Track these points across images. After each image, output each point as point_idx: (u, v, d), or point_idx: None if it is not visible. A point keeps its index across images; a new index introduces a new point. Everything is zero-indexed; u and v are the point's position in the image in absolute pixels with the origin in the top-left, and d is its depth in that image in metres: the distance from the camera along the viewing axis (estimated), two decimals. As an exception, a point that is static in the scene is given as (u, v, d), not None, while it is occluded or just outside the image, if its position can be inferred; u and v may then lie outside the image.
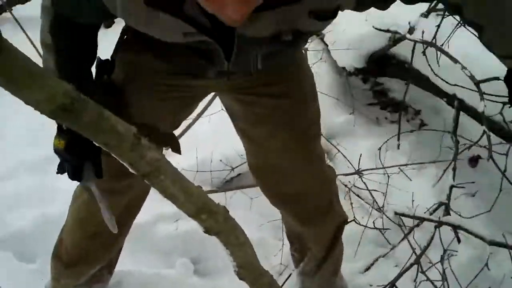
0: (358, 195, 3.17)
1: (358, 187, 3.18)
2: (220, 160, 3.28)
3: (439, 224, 2.40)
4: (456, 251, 2.56)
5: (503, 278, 2.50)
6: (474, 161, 3.24)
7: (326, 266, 2.36)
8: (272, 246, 2.95)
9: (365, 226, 2.86)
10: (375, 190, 3.12)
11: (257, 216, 3.13)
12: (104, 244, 2.12)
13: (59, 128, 1.61)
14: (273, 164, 2.02)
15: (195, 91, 1.89)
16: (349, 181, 3.21)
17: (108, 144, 0.92)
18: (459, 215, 2.63)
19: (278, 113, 1.87)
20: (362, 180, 3.14)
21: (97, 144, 0.94)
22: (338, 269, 2.46)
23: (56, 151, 1.62)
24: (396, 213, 2.77)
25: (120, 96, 1.77)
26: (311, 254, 2.35)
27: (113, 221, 1.69)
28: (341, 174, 3.11)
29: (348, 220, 2.36)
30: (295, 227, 2.30)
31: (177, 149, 1.94)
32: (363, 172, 3.14)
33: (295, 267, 2.49)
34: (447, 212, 2.53)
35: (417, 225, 2.66)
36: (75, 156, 1.62)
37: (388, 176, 3.15)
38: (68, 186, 3.04)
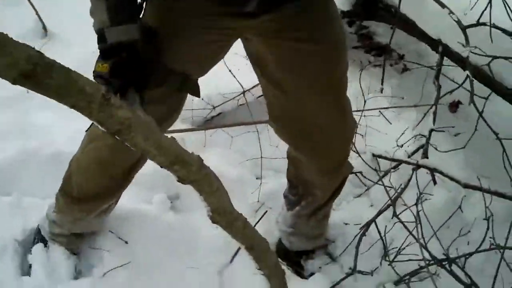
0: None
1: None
2: (202, 99, 3.24)
3: (417, 166, 2.41)
4: (431, 194, 2.59)
5: (474, 220, 2.52)
6: (454, 106, 3.25)
7: (323, 210, 2.38)
8: (250, 184, 2.96)
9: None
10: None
11: (237, 155, 3.13)
12: (122, 182, 2.15)
13: (103, 51, 1.54)
14: (308, 115, 1.93)
15: (231, 33, 1.80)
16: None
17: (77, 106, 0.91)
18: (436, 149, 2.65)
19: (316, 61, 1.78)
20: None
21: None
22: (330, 212, 2.48)
23: (99, 75, 1.53)
24: (373, 155, 2.77)
25: (155, 40, 1.69)
26: (312, 199, 2.32)
27: None
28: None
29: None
30: (313, 176, 2.22)
31: (198, 94, 1.89)
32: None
33: (287, 210, 2.47)
34: (425, 155, 2.53)
35: (395, 167, 2.67)
36: (120, 79, 1.55)
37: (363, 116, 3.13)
38: (46, 121, 3.08)
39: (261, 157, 2.99)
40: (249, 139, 3.18)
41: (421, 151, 2.62)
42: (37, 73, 0.80)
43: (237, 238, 1.51)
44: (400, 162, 2.65)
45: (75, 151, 2.86)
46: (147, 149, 1.08)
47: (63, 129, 3.02)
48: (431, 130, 2.61)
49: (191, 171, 1.21)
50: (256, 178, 2.99)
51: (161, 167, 1.16)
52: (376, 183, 2.75)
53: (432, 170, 2.40)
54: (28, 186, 2.78)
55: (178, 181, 1.22)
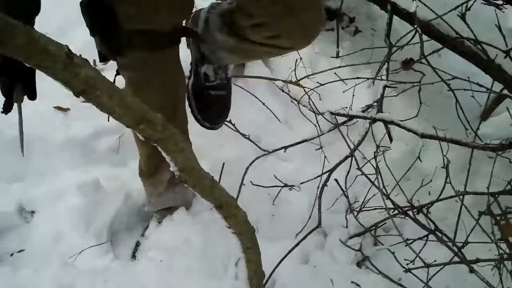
0: (297, 101, 3.15)
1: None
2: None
3: (373, 120, 2.43)
4: (389, 147, 2.62)
5: (435, 170, 2.56)
6: (407, 63, 3.28)
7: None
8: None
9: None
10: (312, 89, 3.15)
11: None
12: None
13: None
14: None
15: None
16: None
17: (41, 66, 0.90)
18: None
19: None
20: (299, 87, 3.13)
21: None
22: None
23: None
24: (331, 113, 2.78)
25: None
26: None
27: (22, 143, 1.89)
28: (278, 79, 3.11)
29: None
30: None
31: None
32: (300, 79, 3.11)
33: None
34: (380, 110, 2.55)
35: (350, 119, 2.67)
36: (6, 77, 1.54)
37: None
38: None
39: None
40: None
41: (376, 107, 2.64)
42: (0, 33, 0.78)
43: (206, 197, 1.50)
44: (357, 117, 2.66)
45: (40, 132, 2.84)
46: (113, 109, 1.06)
47: (25, 110, 2.95)
48: (385, 86, 2.62)
49: (156, 130, 1.20)
50: (219, 146, 2.97)
51: (127, 127, 1.14)
52: (333, 129, 2.72)
53: (388, 123, 2.42)
54: (-9, 170, 2.71)
55: (145, 140, 1.21)
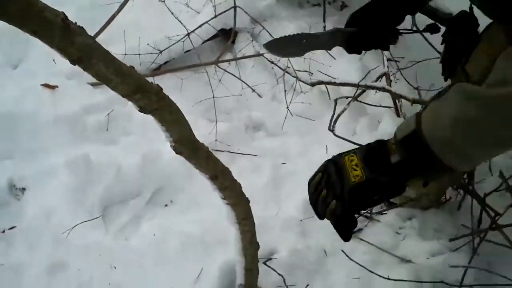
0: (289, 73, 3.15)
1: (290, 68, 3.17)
2: (148, 44, 3.16)
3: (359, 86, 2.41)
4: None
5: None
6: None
7: None
8: (205, 126, 2.92)
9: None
10: (305, 71, 3.18)
11: (188, 98, 3.08)
12: None
13: None
14: None
15: None
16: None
17: (37, 32, 0.88)
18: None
19: None
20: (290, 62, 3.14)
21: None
22: None
23: None
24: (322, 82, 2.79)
25: None
26: None
27: None
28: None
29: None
30: None
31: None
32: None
33: None
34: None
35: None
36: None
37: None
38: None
39: (213, 96, 2.95)
40: (199, 83, 3.16)
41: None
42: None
43: (201, 168, 1.49)
44: (345, 85, 2.65)
45: (28, 109, 2.80)
46: (109, 77, 1.04)
47: (13, 88, 2.92)
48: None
49: (152, 99, 1.18)
50: (211, 121, 2.95)
51: (123, 96, 1.12)
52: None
53: (380, 89, 2.40)
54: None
55: (140, 111, 1.18)
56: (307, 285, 2.19)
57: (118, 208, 2.60)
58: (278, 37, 1.81)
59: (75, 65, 0.99)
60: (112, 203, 2.61)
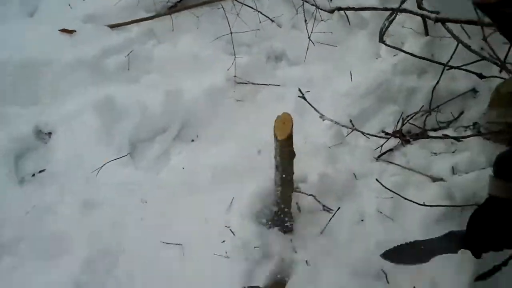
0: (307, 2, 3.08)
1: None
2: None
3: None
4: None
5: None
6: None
7: None
8: (225, 61, 2.86)
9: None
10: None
11: (207, 35, 3.01)
12: None
13: None
14: None
15: None
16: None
17: None
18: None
19: None
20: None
21: None
22: None
23: None
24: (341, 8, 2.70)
25: None
26: None
27: None
28: None
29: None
30: None
31: None
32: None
33: None
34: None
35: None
36: None
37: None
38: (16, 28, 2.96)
39: (231, 32, 2.88)
40: (216, 18, 3.08)
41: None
42: None
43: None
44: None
45: (48, 56, 2.76)
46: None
47: (29, 35, 2.88)
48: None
49: None
50: (231, 55, 2.88)
51: None
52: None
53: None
54: (2, 95, 2.65)
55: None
56: (339, 208, 2.16)
57: (146, 145, 2.59)
58: (394, 247, 1.82)
59: None
60: (139, 141, 2.60)
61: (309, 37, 2.90)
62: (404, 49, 2.68)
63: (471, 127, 2.48)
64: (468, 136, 2.38)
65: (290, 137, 1.72)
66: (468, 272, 1.95)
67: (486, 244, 1.63)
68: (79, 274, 2.02)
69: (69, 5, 3.11)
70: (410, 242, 1.79)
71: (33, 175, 2.46)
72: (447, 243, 1.74)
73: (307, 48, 2.90)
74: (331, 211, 2.18)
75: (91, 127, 2.54)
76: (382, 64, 2.79)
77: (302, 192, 2.19)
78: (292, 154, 1.81)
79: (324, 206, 2.19)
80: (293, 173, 1.90)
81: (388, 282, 1.97)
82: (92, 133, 2.53)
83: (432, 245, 1.75)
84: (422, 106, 2.58)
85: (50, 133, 2.60)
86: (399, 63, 2.74)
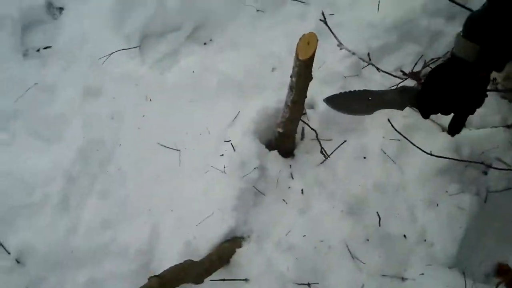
0: None
1: None
2: None
3: None
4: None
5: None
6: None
7: None
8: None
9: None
10: None
11: None
12: None
13: None
14: None
15: None
16: None
17: None
18: None
19: None
20: None
21: None
22: None
23: None
24: None
25: None
26: None
27: None
28: None
29: None
30: None
31: None
32: None
33: None
34: None
35: None
36: None
37: None
38: None
39: None
40: None
41: None
42: None
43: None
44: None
45: None
46: None
47: None
48: None
49: None
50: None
51: None
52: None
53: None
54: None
55: None
56: (344, 141, 2.11)
57: (157, 40, 2.47)
58: (339, 93, 1.70)
59: None
60: (151, 34, 2.48)
61: (343, -44, 2.74)
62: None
63: (491, 82, 2.40)
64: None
65: (312, 59, 1.64)
66: (460, 223, 1.96)
67: (437, 104, 1.60)
68: (71, 163, 2.00)
69: None
70: (359, 90, 1.73)
71: (38, 50, 2.38)
72: (398, 98, 1.68)
73: (339, -32, 2.75)
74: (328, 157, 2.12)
75: (104, 9, 2.43)
76: (412, 0, 2.66)
77: (307, 124, 2.13)
78: (309, 77, 1.74)
79: (322, 148, 2.10)
80: (306, 97, 1.83)
81: (380, 226, 1.96)
82: (104, 16, 2.42)
83: (381, 98, 1.70)
84: (447, 52, 2.48)
85: (61, 8, 2.50)
86: (429, 3, 2.59)
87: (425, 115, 1.65)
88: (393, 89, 1.67)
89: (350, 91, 1.69)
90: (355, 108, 1.73)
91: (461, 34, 1.50)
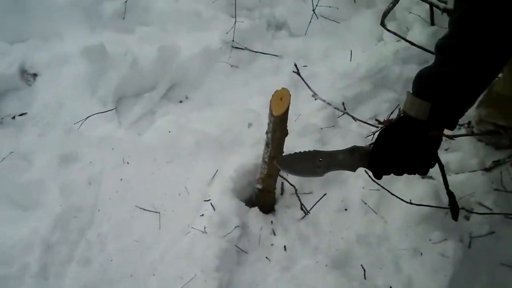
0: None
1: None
2: None
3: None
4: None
5: None
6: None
7: None
8: (226, 23, 2.73)
9: None
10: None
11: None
12: None
13: None
14: None
15: None
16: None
17: None
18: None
19: None
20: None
21: None
22: None
23: None
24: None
25: None
26: None
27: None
28: None
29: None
30: None
31: None
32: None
33: None
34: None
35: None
36: None
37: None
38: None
39: (235, -6, 2.74)
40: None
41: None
42: None
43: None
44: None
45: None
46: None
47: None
48: None
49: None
50: (232, 17, 2.75)
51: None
52: None
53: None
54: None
55: None
56: (324, 194, 2.09)
57: (133, 101, 2.47)
58: (289, 154, 1.64)
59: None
60: (126, 96, 2.48)
61: (313, 10, 2.77)
62: (408, 37, 2.58)
63: (466, 125, 2.41)
64: (461, 136, 2.30)
65: (286, 114, 1.63)
66: (445, 271, 1.92)
67: (388, 165, 1.53)
68: (50, 232, 1.93)
69: None
70: (309, 151, 1.62)
71: (14, 117, 2.35)
72: (349, 159, 1.60)
73: (310, 21, 2.78)
74: (308, 213, 2.07)
75: (78, 74, 2.42)
76: (384, 48, 2.68)
77: (286, 180, 2.10)
78: (285, 132, 1.72)
79: (302, 204, 2.06)
80: (283, 152, 1.81)
81: (365, 278, 1.92)
82: (79, 81, 2.41)
83: (332, 159, 1.61)
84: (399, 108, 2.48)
85: (35, 75, 2.48)
86: (401, 50, 2.63)
87: (377, 176, 1.58)
88: (344, 149, 1.61)
89: (300, 152, 1.62)
90: (304, 169, 1.65)
91: (411, 91, 1.46)
